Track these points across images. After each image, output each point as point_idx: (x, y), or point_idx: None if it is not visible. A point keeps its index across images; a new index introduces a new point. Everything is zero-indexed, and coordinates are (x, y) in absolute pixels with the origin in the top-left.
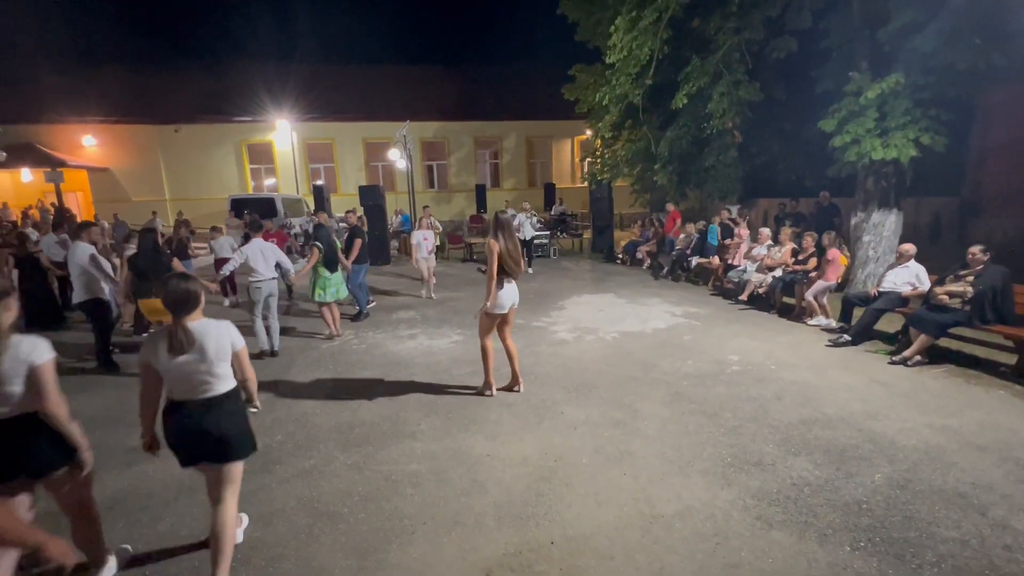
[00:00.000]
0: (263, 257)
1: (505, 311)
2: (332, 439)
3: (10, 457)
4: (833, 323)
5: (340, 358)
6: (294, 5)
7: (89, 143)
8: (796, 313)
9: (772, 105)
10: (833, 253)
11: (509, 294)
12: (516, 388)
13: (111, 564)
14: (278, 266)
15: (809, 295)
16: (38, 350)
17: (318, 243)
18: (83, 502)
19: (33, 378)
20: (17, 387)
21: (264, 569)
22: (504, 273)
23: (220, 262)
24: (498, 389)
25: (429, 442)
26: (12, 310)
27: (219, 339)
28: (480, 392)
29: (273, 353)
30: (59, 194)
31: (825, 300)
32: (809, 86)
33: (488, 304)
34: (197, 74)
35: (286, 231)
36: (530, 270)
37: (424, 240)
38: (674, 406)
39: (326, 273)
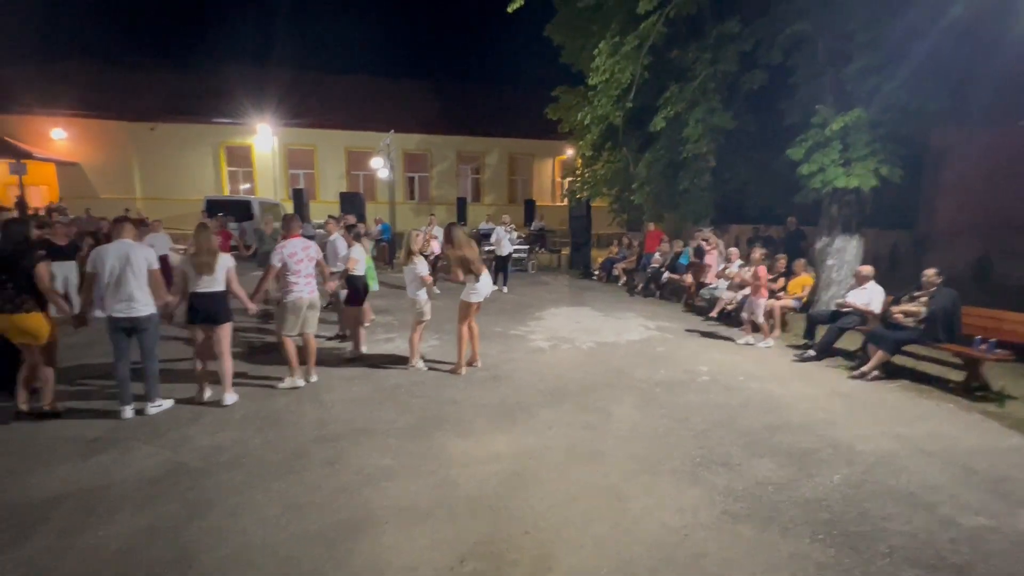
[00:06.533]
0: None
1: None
2: (304, 435)
3: (213, 312)
4: (771, 342)
5: (316, 358)
6: (281, 11)
7: (58, 136)
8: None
9: (744, 134)
10: (762, 271)
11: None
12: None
13: (234, 396)
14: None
15: (747, 314)
16: (231, 261)
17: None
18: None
19: (229, 275)
20: (222, 278)
21: (228, 558)
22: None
23: None
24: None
25: (403, 440)
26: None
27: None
28: (452, 371)
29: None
30: (22, 187)
31: (760, 318)
32: (778, 118)
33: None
34: (177, 73)
35: (231, 229)
36: (504, 289)
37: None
38: (646, 411)
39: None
